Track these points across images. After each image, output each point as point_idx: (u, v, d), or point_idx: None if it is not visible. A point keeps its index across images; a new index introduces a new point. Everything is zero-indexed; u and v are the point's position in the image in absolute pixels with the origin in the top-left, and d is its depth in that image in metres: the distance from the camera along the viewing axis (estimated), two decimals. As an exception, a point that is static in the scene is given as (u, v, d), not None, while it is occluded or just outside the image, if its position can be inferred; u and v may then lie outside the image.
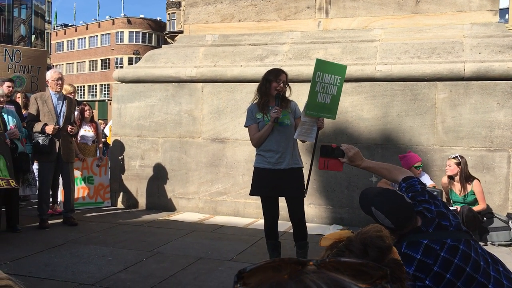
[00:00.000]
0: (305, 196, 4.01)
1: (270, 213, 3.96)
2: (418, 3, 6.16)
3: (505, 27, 6.08)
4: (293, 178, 3.90)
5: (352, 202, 5.86)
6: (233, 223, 5.92)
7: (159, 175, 6.66)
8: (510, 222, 5.06)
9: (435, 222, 2.03)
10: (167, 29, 47.96)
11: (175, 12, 47.45)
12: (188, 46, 6.93)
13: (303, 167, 4.00)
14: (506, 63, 5.39)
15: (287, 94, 4.03)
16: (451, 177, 5.16)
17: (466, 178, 5.09)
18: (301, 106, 3.99)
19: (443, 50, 5.75)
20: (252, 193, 4.00)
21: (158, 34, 51.55)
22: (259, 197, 4.04)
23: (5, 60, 6.47)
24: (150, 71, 6.75)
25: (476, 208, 5.00)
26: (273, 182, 3.86)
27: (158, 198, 6.68)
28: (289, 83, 4.10)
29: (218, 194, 6.41)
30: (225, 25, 6.95)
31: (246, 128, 6.18)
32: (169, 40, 44.61)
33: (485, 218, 5.05)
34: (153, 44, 50.15)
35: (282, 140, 3.89)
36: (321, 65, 3.80)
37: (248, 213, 6.24)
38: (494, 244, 4.94)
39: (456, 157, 5.09)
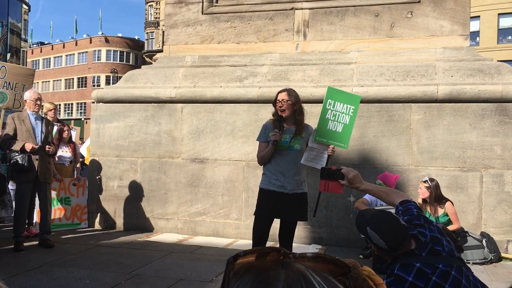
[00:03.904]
0: (307, 219, 4.07)
1: (260, 233, 3.96)
2: (393, 28, 6.36)
3: (476, 51, 6.31)
4: (295, 203, 3.92)
5: (331, 222, 5.93)
6: (212, 243, 5.91)
7: (138, 195, 6.62)
8: (484, 241, 5.19)
9: (429, 247, 2.08)
10: (145, 48, 47.98)
11: (153, 31, 47.56)
12: (168, 66, 6.98)
13: (306, 192, 4.03)
14: (477, 86, 5.59)
15: (301, 115, 3.99)
16: (424, 199, 5.29)
17: (438, 200, 5.22)
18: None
19: (417, 73, 5.93)
20: (256, 213, 3.99)
21: (136, 53, 51.49)
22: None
23: None
24: (129, 92, 6.76)
25: (450, 227, 5.12)
26: (276, 205, 3.88)
27: (137, 219, 6.62)
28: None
29: (198, 214, 6.40)
30: (205, 47, 7.04)
31: (226, 149, 6.29)
32: (147, 59, 44.58)
33: (459, 238, 5.16)
34: (131, 62, 50.06)
35: (289, 164, 3.89)
36: (332, 93, 3.85)
37: (227, 233, 6.24)
38: (469, 263, 5.03)
39: (426, 181, 5.22)
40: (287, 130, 3.93)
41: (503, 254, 5.31)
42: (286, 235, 4.02)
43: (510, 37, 27.65)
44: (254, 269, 0.58)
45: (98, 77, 50.15)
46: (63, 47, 54.26)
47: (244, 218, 6.19)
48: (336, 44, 6.56)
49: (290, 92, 3.98)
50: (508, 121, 5.50)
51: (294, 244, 4.22)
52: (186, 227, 6.43)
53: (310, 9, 6.65)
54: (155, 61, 7.65)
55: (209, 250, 5.60)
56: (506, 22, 27.61)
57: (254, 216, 4.03)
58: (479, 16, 26.87)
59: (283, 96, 3.92)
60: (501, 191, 5.48)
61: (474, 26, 25.74)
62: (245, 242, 5.98)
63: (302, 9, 6.67)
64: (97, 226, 6.81)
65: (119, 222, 6.72)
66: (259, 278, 0.56)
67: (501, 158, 5.49)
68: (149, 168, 6.61)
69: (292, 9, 6.72)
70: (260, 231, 3.94)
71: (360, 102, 5.81)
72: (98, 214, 6.82)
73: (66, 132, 6.65)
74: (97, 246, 5.67)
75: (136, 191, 6.64)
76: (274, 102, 3.98)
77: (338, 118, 3.86)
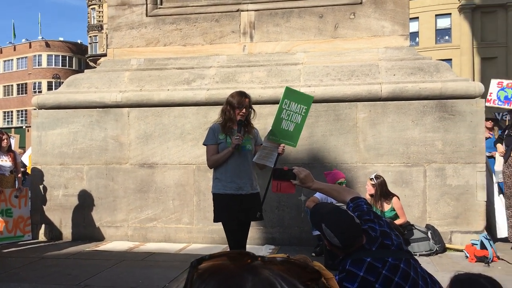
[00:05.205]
0: (262, 219, 4.05)
1: (236, 237, 3.91)
2: (337, 29, 6.50)
3: (416, 51, 6.55)
4: (252, 203, 3.92)
5: (283, 222, 5.97)
6: (164, 249, 5.80)
7: (85, 204, 6.40)
8: (429, 233, 5.39)
9: (379, 241, 2.13)
10: (89, 52, 46.62)
11: (97, 35, 46.29)
12: (113, 70, 6.80)
13: (259, 192, 4.03)
14: (418, 84, 5.80)
15: (251, 116, 4.02)
16: (372, 195, 5.45)
17: (384, 196, 5.40)
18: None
19: (361, 72, 6.08)
20: (217, 219, 3.94)
21: (79, 57, 49.92)
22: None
23: None
24: (72, 97, 6.53)
25: (397, 221, 5.29)
26: (236, 207, 3.85)
27: (84, 228, 6.40)
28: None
29: (148, 220, 6.26)
30: (151, 49, 6.91)
31: (175, 152, 6.20)
32: (91, 63, 43.34)
33: (406, 231, 5.33)
34: (74, 67, 48.46)
35: (242, 165, 3.89)
36: (289, 93, 3.87)
37: (179, 238, 6.15)
38: (416, 255, 5.21)
39: (372, 178, 5.39)
40: (235, 131, 3.93)
41: (447, 245, 5.54)
42: (243, 236, 4.01)
43: (447, 37, 29.00)
44: (219, 273, 0.56)
45: (40, 83, 48.22)
46: (1, 52, 51.77)
47: (196, 222, 6.12)
48: (283, 45, 6.62)
49: (250, 98, 4.01)
50: (447, 117, 5.74)
51: (247, 246, 4.20)
52: (136, 234, 6.28)
53: (255, 10, 6.67)
54: (99, 65, 7.43)
55: (161, 256, 5.49)
56: (443, 23, 28.95)
57: (222, 223, 3.96)
58: (418, 17, 28.02)
59: (247, 102, 3.93)
60: (443, 184, 5.71)
61: (413, 27, 26.81)
62: (198, 246, 5.91)
63: (247, 10, 6.69)
64: (41, 237, 6.52)
65: (66, 233, 6.47)
66: (223, 284, 0.54)
67: (442, 152, 5.73)
68: (96, 175, 6.41)
69: (237, 10, 6.72)
70: (235, 235, 3.91)
71: (308, 102, 5.93)
72: (43, 225, 6.53)
73: (5, 140, 6.34)
74: (42, 259, 5.42)
75: (83, 199, 6.41)
76: (234, 105, 3.90)
77: (292, 117, 3.90)
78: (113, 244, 6.12)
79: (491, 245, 5.03)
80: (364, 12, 6.43)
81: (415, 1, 25.93)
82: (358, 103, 5.90)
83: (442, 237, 5.50)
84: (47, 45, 49.45)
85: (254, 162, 3.93)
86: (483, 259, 4.95)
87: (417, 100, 5.80)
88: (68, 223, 6.46)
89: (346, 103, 5.92)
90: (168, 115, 6.29)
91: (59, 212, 6.48)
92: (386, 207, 5.44)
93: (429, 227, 5.50)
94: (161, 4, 7.01)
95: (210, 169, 4.09)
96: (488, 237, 5.15)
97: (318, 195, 5.21)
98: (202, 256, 0.58)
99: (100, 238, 6.34)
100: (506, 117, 6.90)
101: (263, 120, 5.42)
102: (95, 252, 5.77)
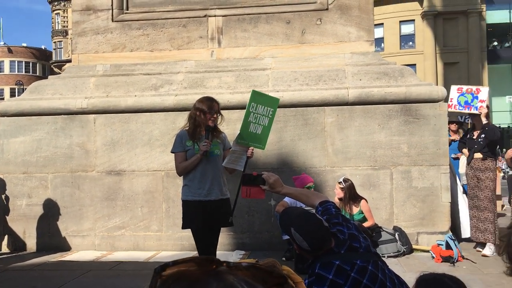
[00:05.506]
0: (233, 225, 4.02)
1: (205, 243, 3.87)
2: (304, 34, 6.56)
3: (381, 56, 6.69)
4: (222, 208, 3.89)
5: (253, 227, 5.96)
6: (133, 257, 5.70)
7: (50, 213, 6.24)
8: (396, 235, 5.48)
9: (347, 244, 2.16)
10: (54, 58, 45.71)
11: (61, 41, 45.43)
12: (78, 76, 6.67)
13: (229, 197, 4.01)
14: (383, 89, 5.92)
15: (218, 121, 4.00)
16: (340, 199, 5.51)
17: (353, 199, 5.47)
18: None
19: (328, 77, 6.16)
20: (185, 226, 3.92)
21: (43, 63, 48.82)
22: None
23: None
24: (36, 103, 6.36)
25: (365, 224, 5.37)
26: (205, 214, 3.81)
27: (50, 238, 6.23)
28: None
29: (116, 228, 6.15)
30: (117, 55, 6.81)
31: (143, 159, 6.12)
32: (56, 69, 42.48)
33: (374, 233, 5.41)
34: (38, 74, 47.34)
35: (211, 170, 3.86)
36: (256, 96, 3.87)
37: (148, 246, 6.06)
38: (384, 256, 5.28)
39: (341, 182, 5.46)
40: (203, 137, 3.91)
41: (414, 246, 5.65)
42: (212, 243, 3.98)
43: (410, 43, 29.74)
44: (183, 279, 0.55)
45: (2, 90, 46.88)
46: (-40, 58, 50.09)
47: (165, 229, 6.05)
48: (251, 51, 6.64)
49: (219, 103, 4.00)
50: (412, 120, 5.87)
51: (217, 252, 4.18)
52: (104, 242, 6.15)
53: (223, 16, 6.67)
54: (64, 71, 7.29)
55: (129, 265, 5.39)
56: (406, 29, 29.69)
57: (191, 230, 3.93)
58: (382, 24, 28.64)
59: (217, 107, 3.92)
60: (409, 187, 5.83)
61: (378, 33, 27.38)
62: (168, 254, 5.84)
63: (215, 16, 6.68)
64: (4, 249, 6.31)
65: (30, 243, 6.28)
66: None
67: (407, 155, 5.85)
68: (61, 183, 6.25)
69: (205, 16, 6.70)
70: (204, 242, 3.87)
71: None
72: (6, 236, 6.33)
73: (-35, 149, 6.12)
74: (5, 271, 5.25)
75: (47, 208, 6.25)
76: (205, 110, 3.88)
77: (259, 120, 3.92)
78: (79, 254, 5.98)
79: (456, 245, 5.16)
80: (330, 18, 6.52)
81: (379, 8, 26.50)
82: (325, 107, 5.97)
83: (409, 238, 5.60)
84: (10, 50, 48.16)
85: (224, 167, 3.92)
86: (448, 259, 5.07)
87: (383, 104, 5.91)
88: (33, 233, 6.28)
89: (314, 107, 5.98)
90: (135, 122, 6.21)
91: (23, 222, 6.29)
92: (355, 210, 5.50)
93: (396, 228, 5.60)
94: (127, 9, 6.92)
95: (179, 176, 4.05)
96: (453, 238, 5.28)
97: (287, 199, 5.23)
98: (165, 262, 0.57)
99: (66, 248, 6.18)
100: (468, 120, 7.11)
101: (232, 126, 5.41)
102: (61, 262, 5.62)
